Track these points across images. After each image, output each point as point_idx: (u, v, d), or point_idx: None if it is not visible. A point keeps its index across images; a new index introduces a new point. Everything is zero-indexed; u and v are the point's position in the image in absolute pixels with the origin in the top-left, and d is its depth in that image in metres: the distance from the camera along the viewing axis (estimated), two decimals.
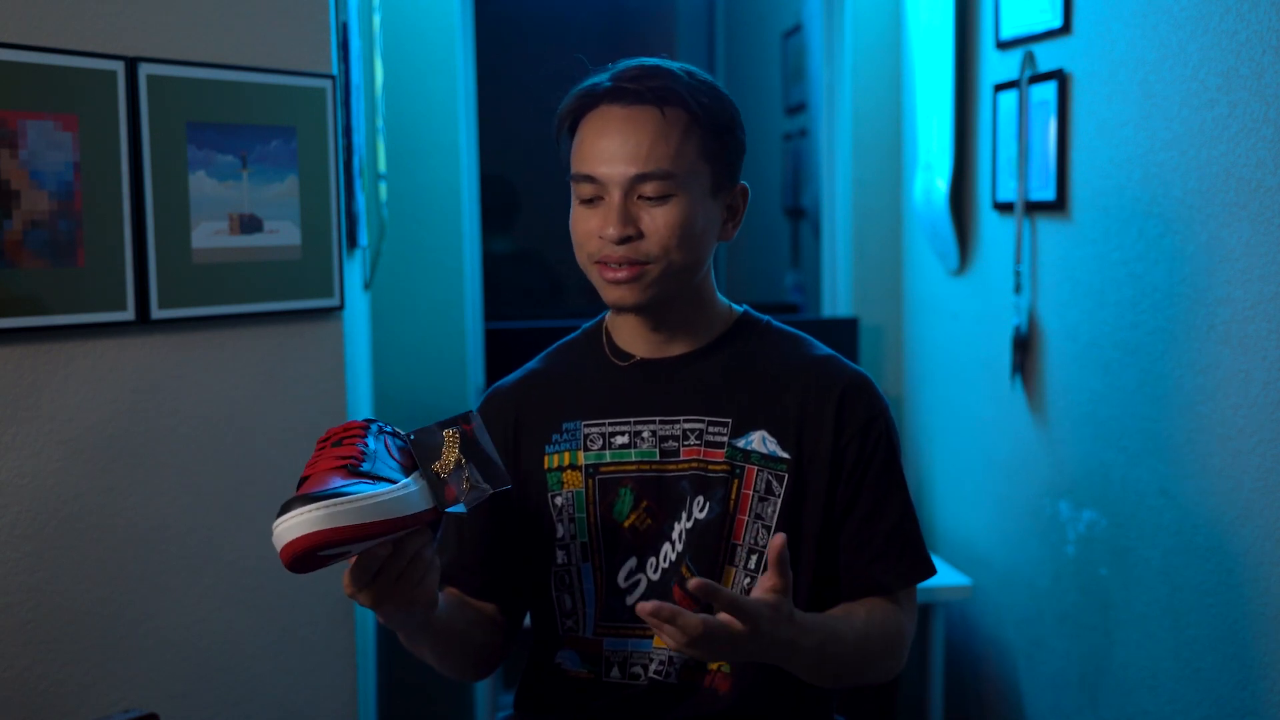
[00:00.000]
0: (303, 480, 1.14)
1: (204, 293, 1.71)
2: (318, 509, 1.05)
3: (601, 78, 1.40)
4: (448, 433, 1.19)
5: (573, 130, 1.41)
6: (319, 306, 1.84)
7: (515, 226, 4.15)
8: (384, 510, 1.08)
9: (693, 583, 1.16)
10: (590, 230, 1.38)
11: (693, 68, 1.42)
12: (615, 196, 1.35)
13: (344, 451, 1.14)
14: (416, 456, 1.19)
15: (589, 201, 1.38)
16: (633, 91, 1.36)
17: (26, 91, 1.53)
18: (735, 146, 1.42)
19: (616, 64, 1.41)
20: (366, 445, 1.16)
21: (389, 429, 1.22)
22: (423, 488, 1.17)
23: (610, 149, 1.35)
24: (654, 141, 1.35)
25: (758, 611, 1.19)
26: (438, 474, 1.17)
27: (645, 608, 1.15)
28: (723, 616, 1.19)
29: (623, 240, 1.35)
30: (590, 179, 1.37)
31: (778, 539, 1.22)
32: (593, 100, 1.39)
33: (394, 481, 1.13)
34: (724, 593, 1.17)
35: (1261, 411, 1.84)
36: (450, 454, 1.17)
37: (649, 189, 1.35)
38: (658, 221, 1.35)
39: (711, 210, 1.40)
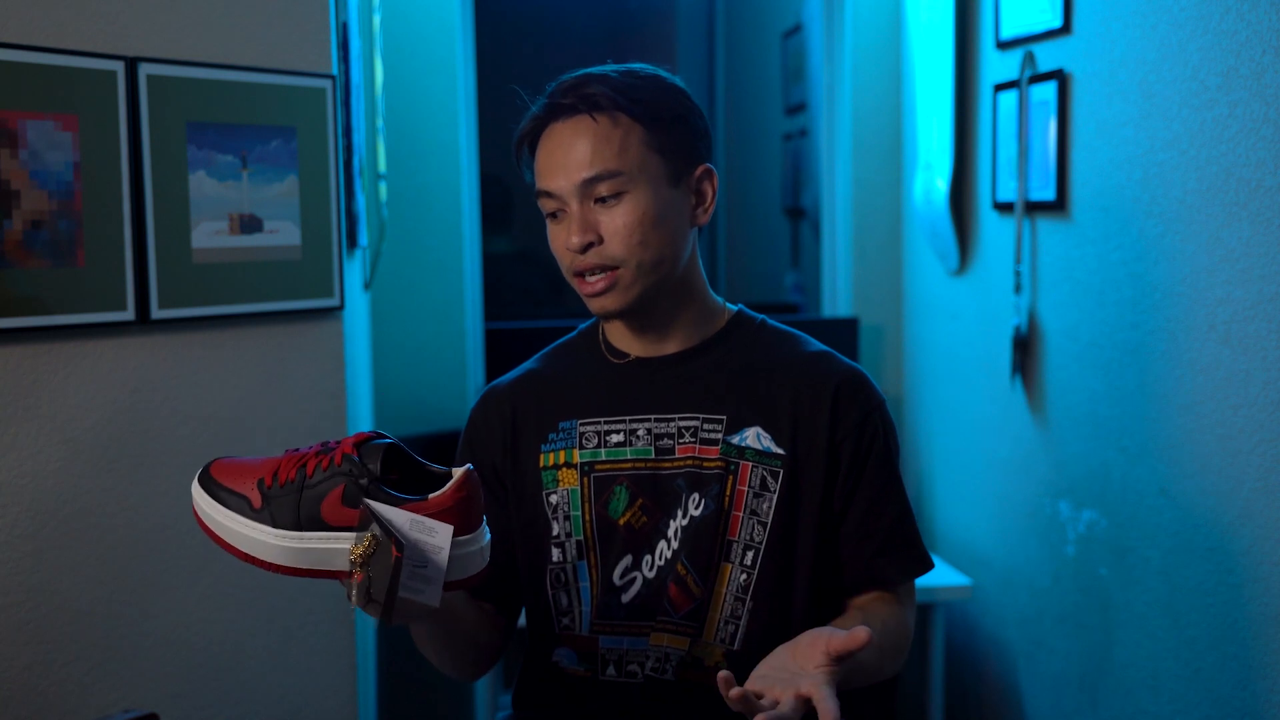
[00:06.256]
0: (265, 462, 1.20)
1: (204, 293, 1.71)
2: (204, 497, 1.21)
3: (540, 101, 1.44)
4: (373, 534, 1.12)
5: (532, 155, 1.45)
6: (319, 306, 1.84)
7: (515, 226, 4.15)
8: (233, 539, 1.21)
9: (733, 691, 1.12)
10: (561, 245, 1.42)
11: (635, 65, 1.45)
12: (573, 206, 1.39)
13: (285, 473, 1.18)
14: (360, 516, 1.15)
15: (554, 216, 1.43)
16: (566, 105, 1.40)
17: (26, 91, 1.53)
18: (687, 132, 1.43)
19: (556, 79, 1.45)
20: (309, 477, 1.16)
21: (372, 473, 1.16)
22: (301, 549, 1.16)
23: (557, 163, 1.40)
24: (595, 145, 1.38)
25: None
26: (350, 555, 1.14)
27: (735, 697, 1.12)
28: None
29: (585, 248, 1.38)
30: (549, 195, 1.41)
31: (861, 634, 1.16)
32: (538, 123, 1.43)
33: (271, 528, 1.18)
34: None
35: (1261, 411, 1.84)
36: (360, 548, 1.12)
37: (601, 190, 1.38)
38: (616, 222, 1.38)
39: (674, 199, 1.41)
